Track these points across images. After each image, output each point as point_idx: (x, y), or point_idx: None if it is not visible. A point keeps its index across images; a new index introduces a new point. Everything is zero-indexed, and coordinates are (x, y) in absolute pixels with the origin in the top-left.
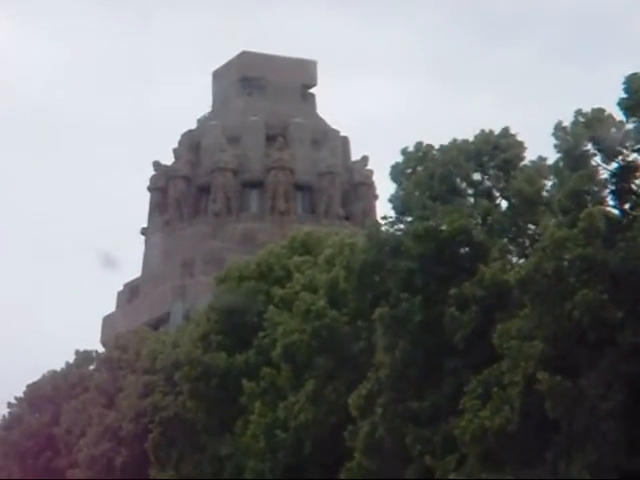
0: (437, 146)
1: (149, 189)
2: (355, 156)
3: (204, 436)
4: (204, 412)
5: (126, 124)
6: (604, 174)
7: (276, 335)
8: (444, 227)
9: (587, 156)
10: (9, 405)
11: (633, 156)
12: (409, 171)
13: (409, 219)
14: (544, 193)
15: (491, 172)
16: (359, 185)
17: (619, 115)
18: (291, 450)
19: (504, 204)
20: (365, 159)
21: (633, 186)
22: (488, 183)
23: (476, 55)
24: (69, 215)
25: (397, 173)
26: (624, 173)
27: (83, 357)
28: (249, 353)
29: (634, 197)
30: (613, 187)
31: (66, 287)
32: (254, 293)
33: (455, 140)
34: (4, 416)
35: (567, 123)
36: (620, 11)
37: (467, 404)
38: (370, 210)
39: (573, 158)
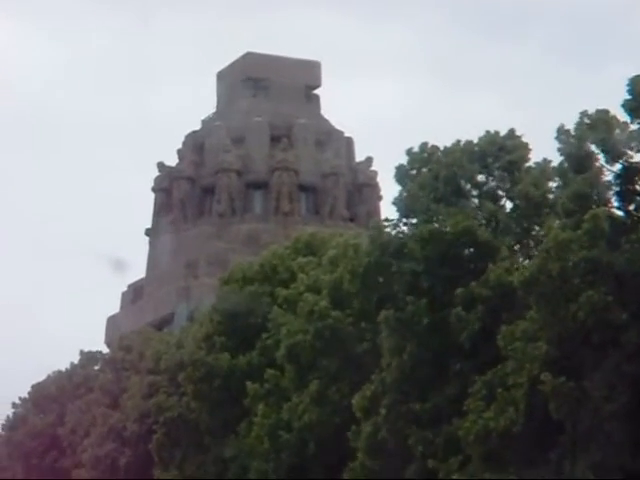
0: (442, 147)
1: (153, 190)
2: (359, 157)
3: (208, 437)
4: (208, 413)
5: (130, 125)
6: (608, 176)
7: (280, 336)
8: (448, 229)
9: (591, 158)
10: (13, 405)
11: (638, 157)
12: (414, 172)
13: (413, 221)
14: (549, 195)
15: (496, 173)
16: (363, 186)
17: (623, 116)
18: (294, 450)
19: (509, 205)
20: (369, 160)
21: (638, 187)
22: (493, 185)
23: (478, 55)
24: (74, 217)
25: (402, 174)
26: (628, 174)
27: (88, 357)
28: (252, 354)
29: (639, 198)
30: (617, 189)
31: (70, 288)
32: (258, 294)
33: (459, 141)
34: (8, 416)
35: (570, 124)
36: (622, 11)
37: (471, 405)
38: (374, 211)
39: (577, 160)
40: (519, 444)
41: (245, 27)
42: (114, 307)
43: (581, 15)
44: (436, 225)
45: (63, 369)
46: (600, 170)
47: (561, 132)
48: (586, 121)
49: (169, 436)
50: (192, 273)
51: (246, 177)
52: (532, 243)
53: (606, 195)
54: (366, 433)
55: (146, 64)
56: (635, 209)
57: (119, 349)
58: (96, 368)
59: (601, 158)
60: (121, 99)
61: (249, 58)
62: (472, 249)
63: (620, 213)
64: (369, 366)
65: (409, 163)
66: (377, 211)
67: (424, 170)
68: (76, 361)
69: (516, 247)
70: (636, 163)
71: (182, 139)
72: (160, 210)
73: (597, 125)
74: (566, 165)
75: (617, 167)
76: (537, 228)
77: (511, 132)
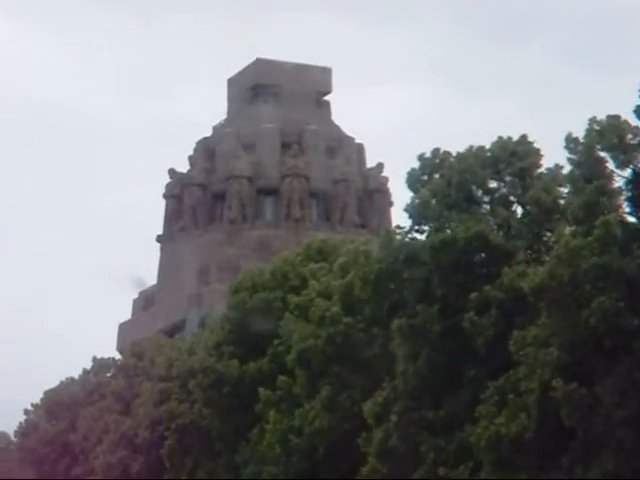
0: (453, 152)
1: (164, 196)
2: (370, 163)
3: (219, 443)
4: (219, 419)
5: (142, 132)
6: (619, 181)
7: (291, 342)
8: (460, 235)
9: (601, 164)
10: (26, 412)
11: None
12: (425, 178)
13: (425, 228)
14: (560, 201)
15: (507, 180)
16: (374, 192)
17: (634, 122)
18: (304, 455)
19: (519, 211)
20: (380, 166)
21: None
22: (504, 191)
23: (489, 60)
24: (86, 223)
25: (413, 179)
26: (639, 180)
27: (100, 364)
28: (263, 361)
29: None
30: (629, 194)
31: (83, 295)
32: (269, 301)
33: (472, 147)
34: (21, 423)
35: (580, 131)
36: (630, 16)
37: (483, 411)
38: (385, 217)
39: (587, 168)
40: (531, 450)
41: (255, 33)
42: (126, 314)
43: (596, 19)
44: (448, 232)
45: (76, 376)
46: (610, 176)
47: (570, 140)
48: (595, 127)
49: (181, 443)
50: (203, 279)
51: (257, 183)
52: (543, 249)
53: (617, 201)
54: (377, 439)
55: (151, 68)
56: None
57: (131, 356)
58: (108, 375)
59: (611, 164)
60: (125, 103)
61: (259, 64)
62: (484, 254)
63: (632, 219)
64: (380, 372)
65: (421, 168)
66: (388, 217)
67: (436, 176)
68: (89, 368)
69: (527, 252)
70: None
71: (193, 145)
72: (171, 217)
73: (607, 131)
74: (577, 173)
75: (628, 172)
76: (548, 234)
77: (523, 138)
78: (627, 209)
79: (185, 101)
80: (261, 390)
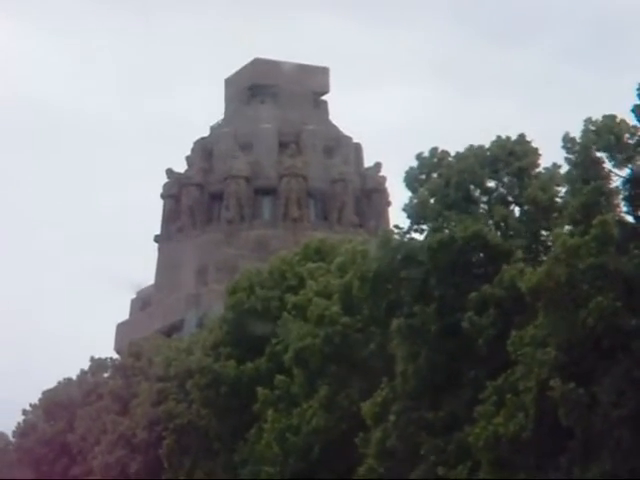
0: (452, 151)
1: (162, 197)
2: (368, 163)
3: (217, 443)
4: (217, 419)
5: (141, 131)
6: (617, 181)
7: (289, 342)
8: (458, 235)
9: (598, 164)
10: (24, 412)
11: None
12: (423, 177)
13: (424, 227)
14: (558, 200)
15: (505, 179)
16: (372, 192)
17: (632, 121)
18: (301, 454)
19: (517, 211)
20: (378, 166)
21: None
22: (502, 190)
23: (489, 60)
24: (83, 223)
25: (411, 179)
26: (637, 179)
27: (98, 364)
28: (261, 361)
29: None
30: (626, 193)
31: (80, 295)
32: (267, 301)
33: (472, 146)
34: (19, 423)
35: (579, 131)
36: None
37: (481, 411)
38: (383, 217)
39: (584, 168)
40: (529, 450)
41: (253, 33)
42: (124, 314)
43: (596, 19)
44: (447, 231)
45: (73, 376)
46: (608, 176)
47: (567, 140)
48: (591, 127)
49: (179, 443)
50: (201, 280)
51: (255, 183)
52: (541, 248)
53: (614, 201)
54: (376, 439)
55: (150, 68)
56: None
57: (129, 356)
58: (106, 375)
59: (608, 163)
60: (124, 103)
61: (257, 64)
62: (482, 254)
63: (629, 218)
64: (378, 372)
65: (419, 168)
66: (386, 217)
67: (434, 175)
68: (86, 368)
69: (525, 252)
70: None
71: (191, 146)
72: (169, 217)
73: (603, 131)
74: (574, 172)
75: (625, 172)
76: (546, 233)
77: (521, 137)
78: (624, 208)
79: (183, 101)
80: (259, 390)
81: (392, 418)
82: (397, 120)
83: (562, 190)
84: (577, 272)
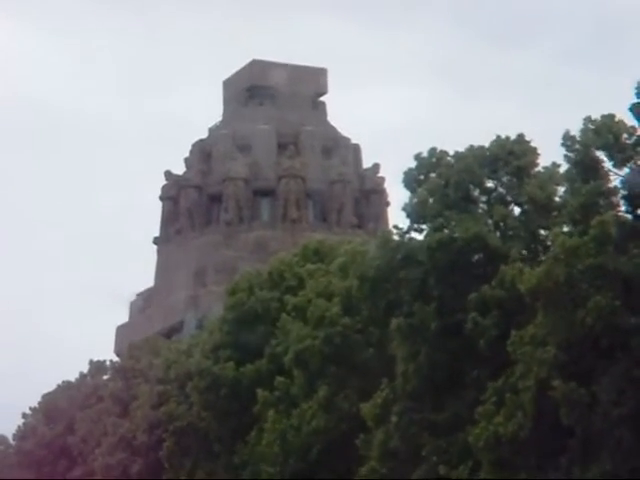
0: (451, 152)
1: (161, 198)
2: (366, 163)
3: (218, 445)
4: (217, 421)
5: (140, 132)
6: (615, 180)
7: (288, 343)
8: (458, 235)
9: (598, 163)
10: (24, 416)
11: None
12: (422, 177)
13: (423, 227)
14: (556, 198)
15: (504, 179)
16: (371, 192)
17: (630, 120)
18: (300, 455)
19: (516, 210)
20: (376, 166)
21: None
22: (501, 190)
23: (489, 61)
24: (82, 226)
25: (410, 179)
26: (631, 188)
27: (97, 367)
28: (261, 362)
29: None
30: (625, 192)
31: (80, 297)
32: (266, 302)
33: (472, 146)
34: (19, 426)
35: (578, 131)
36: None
37: (482, 412)
38: (382, 217)
39: (584, 166)
40: (529, 450)
41: (251, 35)
42: (123, 316)
43: (596, 20)
44: (446, 232)
45: (72, 379)
46: (607, 175)
47: (567, 138)
48: (590, 126)
49: (179, 445)
50: (200, 281)
51: (253, 185)
52: (540, 247)
53: (614, 200)
54: (378, 441)
55: (150, 69)
56: None
57: (128, 358)
58: (106, 377)
59: (608, 163)
60: (124, 103)
61: (255, 66)
62: (481, 254)
63: (628, 217)
64: (377, 373)
65: (417, 168)
66: (384, 217)
67: (432, 175)
68: (85, 370)
69: (524, 252)
70: None
71: (189, 147)
72: (168, 219)
73: (602, 130)
74: (574, 171)
75: (624, 171)
76: (544, 232)
77: (520, 137)
78: (623, 207)
79: (182, 102)
80: (259, 391)
81: (394, 419)
82: (396, 121)
83: (561, 189)
84: (576, 272)
